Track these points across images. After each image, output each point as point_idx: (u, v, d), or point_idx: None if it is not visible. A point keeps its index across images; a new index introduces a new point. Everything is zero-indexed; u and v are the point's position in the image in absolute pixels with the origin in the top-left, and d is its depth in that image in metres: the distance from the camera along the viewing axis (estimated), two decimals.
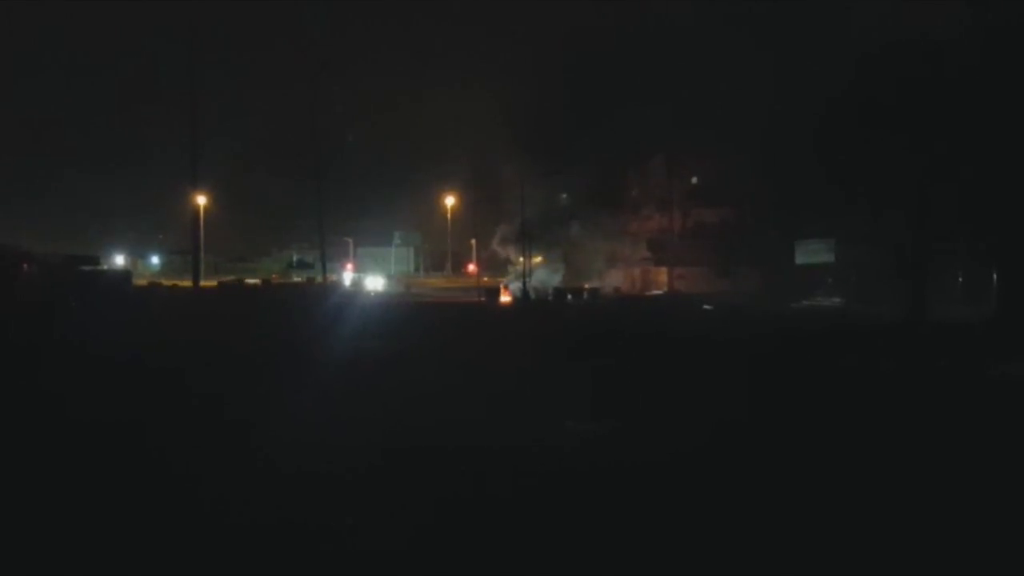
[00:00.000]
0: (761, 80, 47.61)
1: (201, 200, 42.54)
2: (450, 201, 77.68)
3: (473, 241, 75.39)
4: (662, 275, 59.40)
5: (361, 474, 8.22)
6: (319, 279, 62.92)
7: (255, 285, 62.77)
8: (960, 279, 41.15)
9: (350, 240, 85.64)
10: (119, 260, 77.02)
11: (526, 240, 58.10)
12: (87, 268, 45.64)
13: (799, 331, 27.05)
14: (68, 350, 19.13)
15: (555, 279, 58.29)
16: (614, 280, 59.39)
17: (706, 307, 41.53)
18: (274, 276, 77.37)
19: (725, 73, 50.56)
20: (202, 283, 49.99)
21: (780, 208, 49.51)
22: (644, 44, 55.52)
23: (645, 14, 56.59)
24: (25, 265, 43.31)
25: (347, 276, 74.61)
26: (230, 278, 54.96)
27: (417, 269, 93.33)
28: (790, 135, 48.47)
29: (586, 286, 55.41)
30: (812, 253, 51.45)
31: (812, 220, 48.46)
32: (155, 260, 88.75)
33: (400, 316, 35.66)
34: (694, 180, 59.47)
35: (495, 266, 74.40)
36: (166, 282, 60.94)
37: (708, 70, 51.37)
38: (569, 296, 52.65)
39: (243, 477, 7.97)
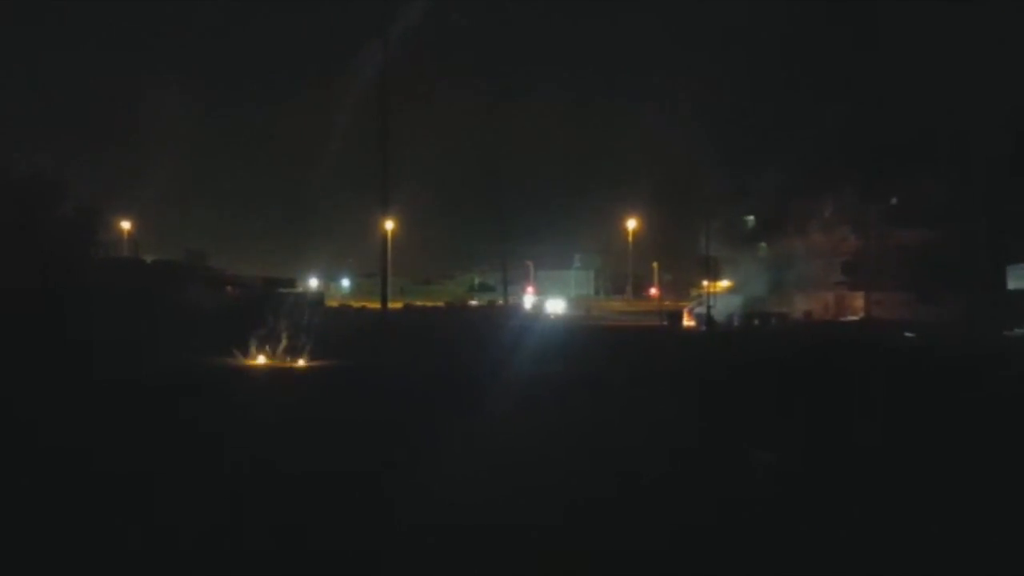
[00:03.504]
0: (968, 91, 44.67)
1: (388, 225, 43.78)
2: (631, 224, 76.75)
3: (655, 264, 74.22)
4: (858, 300, 56.16)
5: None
6: (500, 302, 63.53)
7: (437, 307, 64.16)
8: None
9: (530, 263, 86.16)
10: (313, 283, 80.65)
11: (710, 263, 56.47)
12: (284, 290, 48.04)
13: None
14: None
15: (741, 303, 56.22)
16: (804, 304, 56.69)
17: (908, 335, 38.73)
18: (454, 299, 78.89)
19: (926, 83, 47.59)
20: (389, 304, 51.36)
21: (992, 229, 45.83)
22: (837, 52, 53.01)
23: (837, 18, 54.11)
24: (229, 287, 46.04)
25: (528, 299, 74.97)
26: (399, 304, 56.33)
27: (597, 292, 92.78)
28: (1000, 149, 45.16)
29: (775, 311, 53.17)
30: None
31: None
32: (345, 283, 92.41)
33: (580, 340, 35.16)
34: (893, 200, 56.09)
35: (677, 289, 72.90)
36: (355, 303, 63.25)
37: (908, 80, 48.48)
38: (756, 321, 50.62)
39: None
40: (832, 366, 22.04)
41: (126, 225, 63.08)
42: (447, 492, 8.39)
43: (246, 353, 21.96)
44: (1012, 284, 47.96)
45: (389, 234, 42.30)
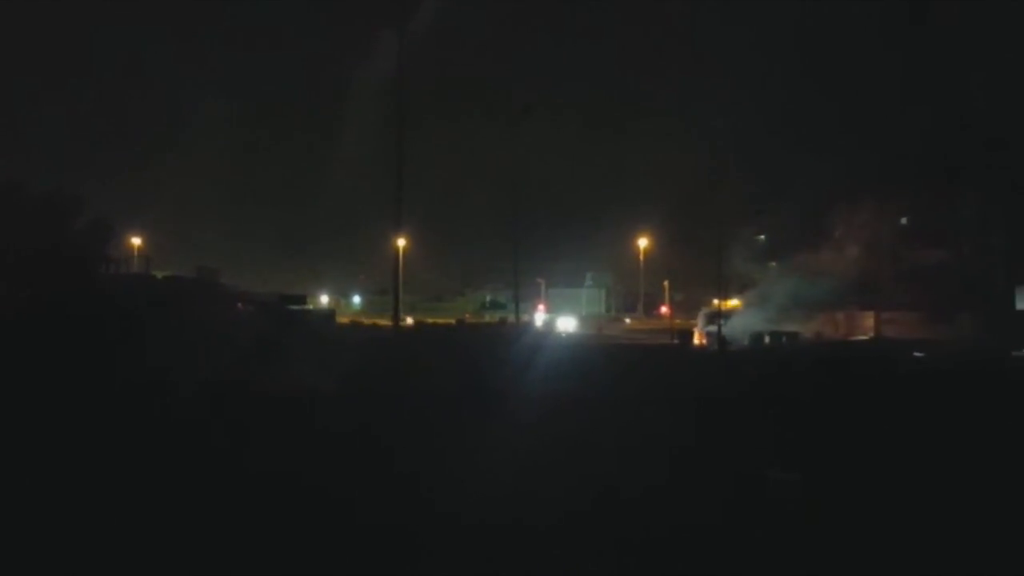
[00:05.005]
0: (983, 110, 44.68)
1: (400, 242, 43.91)
2: (643, 242, 76.86)
3: (666, 283, 74.18)
4: (868, 319, 56.01)
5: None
6: (511, 319, 63.48)
7: (449, 324, 64.15)
8: None
9: (542, 281, 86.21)
10: (324, 299, 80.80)
11: (721, 281, 56.41)
12: (295, 307, 48.02)
13: None
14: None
15: (752, 322, 56.12)
16: (815, 324, 56.53)
17: (917, 354, 38.64)
18: (467, 316, 78.91)
19: (941, 101, 47.64)
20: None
21: (1005, 248, 45.73)
22: (852, 74, 53.10)
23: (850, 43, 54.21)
24: (240, 304, 46.06)
25: (539, 317, 74.97)
26: (409, 322, 56.38)
27: (608, 310, 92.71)
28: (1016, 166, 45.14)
29: (786, 330, 53.02)
30: None
31: None
32: (356, 299, 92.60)
33: (591, 358, 35.16)
34: (904, 220, 56.09)
35: (688, 308, 72.78)
36: (366, 321, 63.32)
37: (923, 98, 48.53)
38: (767, 339, 50.52)
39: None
40: (846, 386, 22.04)
41: (137, 241, 63.49)
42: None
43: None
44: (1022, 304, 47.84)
45: (400, 252, 42.43)
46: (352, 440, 12.38)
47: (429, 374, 24.32)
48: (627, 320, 78.74)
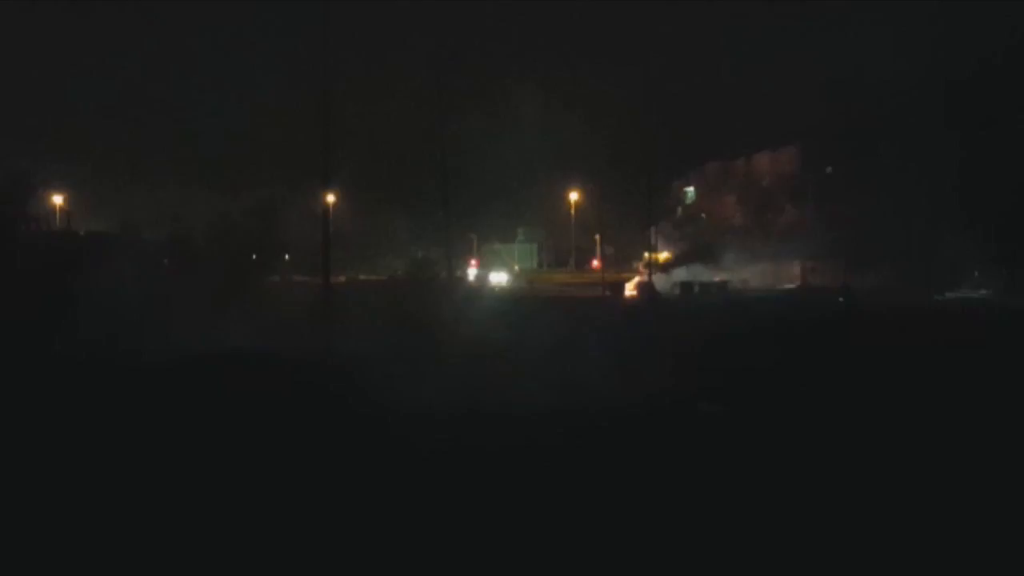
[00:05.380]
0: (904, 61, 45.60)
1: (330, 199, 43.15)
2: (574, 196, 77.13)
3: (597, 236, 74.69)
4: (795, 268, 57.57)
5: None
6: (443, 275, 63.32)
7: (380, 280, 63.67)
8: None
9: (474, 236, 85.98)
10: (253, 257, 79.30)
11: (651, 234, 57.17)
12: None
13: None
14: None
15: (684, 273, 57.12)
16: (744, 273, 57.81)
17: (840, 300, 40.09)
18: (398, 272, 78.37)
19: (861, 52, 48.46)
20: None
21: (926, 198, 47.06)
22: (776, 29, 53.78)
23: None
24: (166, 260, 44.86)
25: (471, 272, 74.96)
26: (341, 279, 55.89)
27: (541, 265, 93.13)
28: (938, 120, 46.28)
29: (715, 280, 54.24)
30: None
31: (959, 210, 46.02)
32: (286, 257, 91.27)
33: (522, 309, 35.64)
34: (828, 170, 57.33)
35: (619, 261, 73.52)
36: (298, 278, 62.47)
37: (844, 51, 49.39)
38: (696, 289, 51.65)
39: None
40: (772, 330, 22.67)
41: (59, 199, 61.38)
42: None
43: None
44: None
45: (330, 208, 41.79)
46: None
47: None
48: (564, 272, 79.26)
